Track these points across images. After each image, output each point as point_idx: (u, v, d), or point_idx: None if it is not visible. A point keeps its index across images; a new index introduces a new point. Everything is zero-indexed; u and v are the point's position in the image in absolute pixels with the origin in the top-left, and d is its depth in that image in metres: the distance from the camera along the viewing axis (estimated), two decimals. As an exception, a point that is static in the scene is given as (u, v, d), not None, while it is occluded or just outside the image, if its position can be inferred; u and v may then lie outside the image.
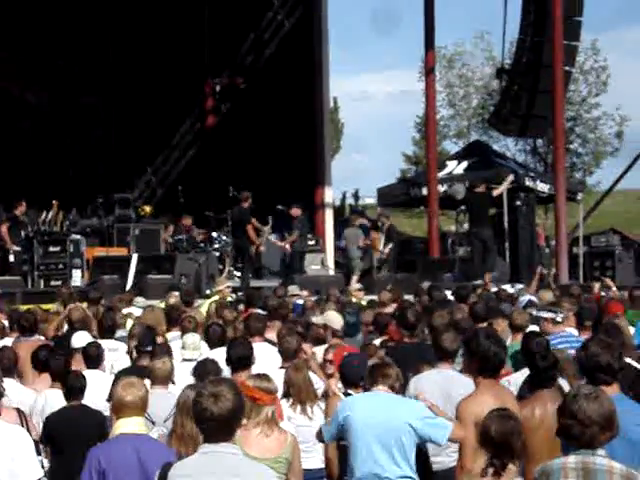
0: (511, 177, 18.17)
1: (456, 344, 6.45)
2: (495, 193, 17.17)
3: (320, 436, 5.74)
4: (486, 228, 16.89)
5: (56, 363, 6.87)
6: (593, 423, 3.96)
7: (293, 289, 13.22)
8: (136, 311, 10.51)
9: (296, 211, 17.18)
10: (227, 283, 13.52)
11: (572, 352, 6.70)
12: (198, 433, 4.39)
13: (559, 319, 7.89)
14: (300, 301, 12.04)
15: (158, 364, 6.53)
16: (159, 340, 8.03)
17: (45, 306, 10.88)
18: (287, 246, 17.26)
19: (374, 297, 12.20)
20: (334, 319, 8.55)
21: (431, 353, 6.64)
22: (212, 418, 3.91)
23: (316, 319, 8.76)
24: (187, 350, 7.66)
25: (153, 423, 5.59)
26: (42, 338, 8.67)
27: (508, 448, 4.28)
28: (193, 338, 7.84)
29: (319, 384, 6.84)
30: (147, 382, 6.04)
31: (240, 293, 13.42)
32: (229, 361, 6.63)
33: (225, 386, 4.00)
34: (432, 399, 5.69)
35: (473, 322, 8.54)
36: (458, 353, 6.54)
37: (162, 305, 10.81)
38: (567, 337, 7.69)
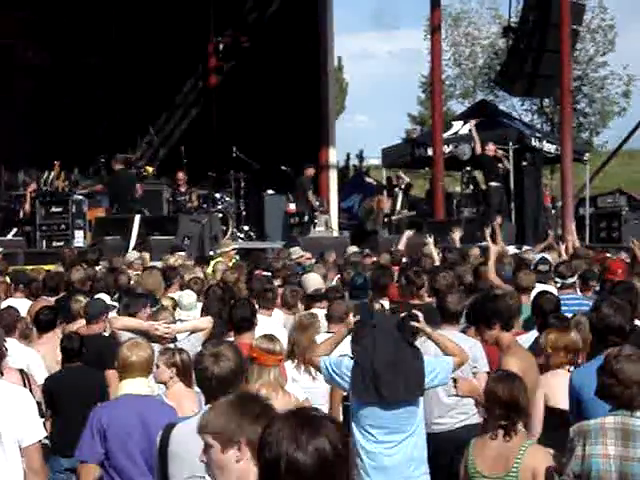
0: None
1: (461, 305, 6.38)
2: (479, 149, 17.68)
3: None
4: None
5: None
6: (633, 384, 3.99)
7: (296, 251, 13.11)
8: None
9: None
10: (232, 245, 13.43)
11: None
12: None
13: (568, 282, 7.84)
14: (306, 262, 11.98)
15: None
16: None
17: (47, 267, 10.85)
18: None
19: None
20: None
21: (437, 315, 6.56)
22: (212, 377, 3.89)
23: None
24: (183, 310, 7.58)
25: None
26: (52, 300, 8.62)
27: (516, 407, 4.26)
28: (189, 298, 7.75)
29: None
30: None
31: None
32: (231, 323, 6.57)
33: (225, 346, 3.98)
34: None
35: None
36: (462, 314, 6.48)
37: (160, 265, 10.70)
38: (573, 300, 7.61)
